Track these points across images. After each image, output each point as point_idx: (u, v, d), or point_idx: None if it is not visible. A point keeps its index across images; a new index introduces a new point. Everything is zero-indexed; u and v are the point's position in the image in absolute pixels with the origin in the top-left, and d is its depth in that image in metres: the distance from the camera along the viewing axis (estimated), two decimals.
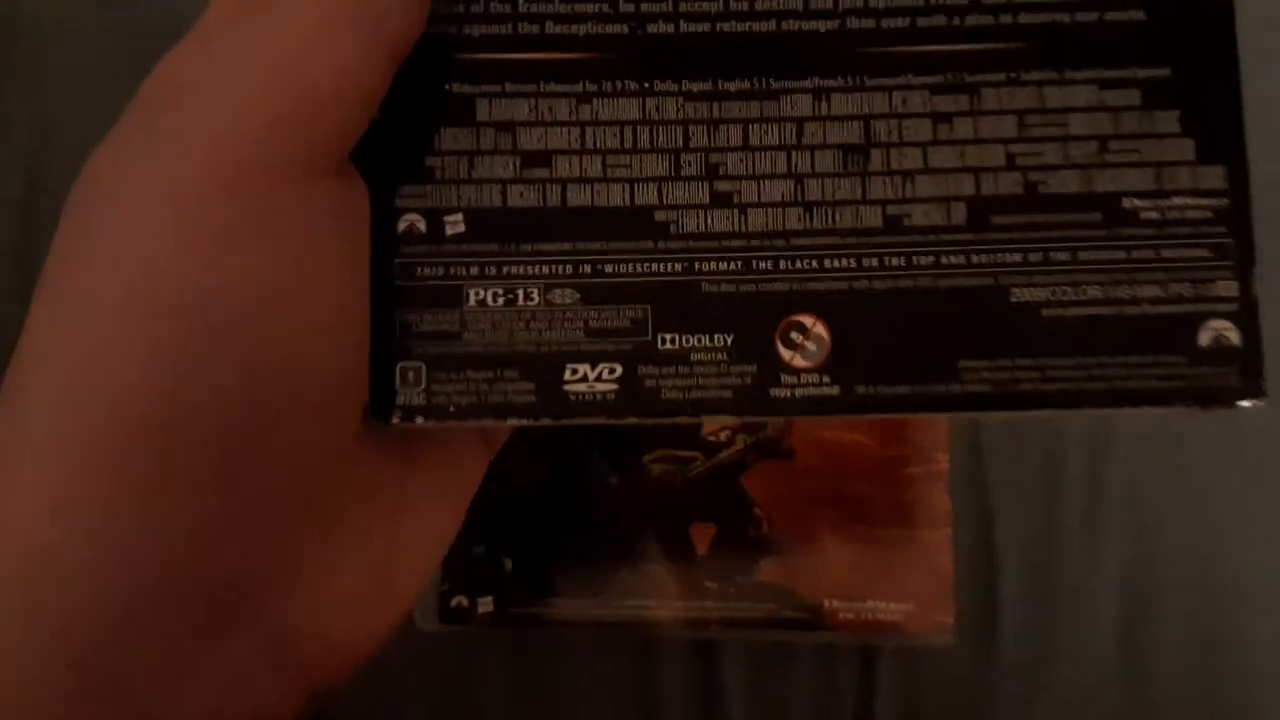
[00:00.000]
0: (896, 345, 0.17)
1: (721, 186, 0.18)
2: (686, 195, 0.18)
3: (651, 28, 0.18)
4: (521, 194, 0.18)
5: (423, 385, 0.17)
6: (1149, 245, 0.18)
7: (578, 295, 0.18)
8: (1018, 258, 0.18)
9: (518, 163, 0.18)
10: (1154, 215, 0.18)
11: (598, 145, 0.18)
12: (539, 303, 0.18)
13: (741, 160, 0.18)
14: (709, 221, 0.18)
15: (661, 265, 0.18)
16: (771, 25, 0.18)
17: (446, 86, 0.18)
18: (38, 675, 0.14)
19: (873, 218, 0.18)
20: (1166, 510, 0.29)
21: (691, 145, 0.18)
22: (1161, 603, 0.28)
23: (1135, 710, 0.28)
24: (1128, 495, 0.29)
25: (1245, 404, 0.17)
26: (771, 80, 0.18)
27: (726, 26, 0.18)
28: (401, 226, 0.18)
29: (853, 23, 0.18)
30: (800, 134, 0.18)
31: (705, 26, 0.18)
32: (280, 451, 0.15)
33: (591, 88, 0.18)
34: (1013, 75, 0.18)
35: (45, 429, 0.14)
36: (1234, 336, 0.17)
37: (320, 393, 0.15)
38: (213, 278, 0.14)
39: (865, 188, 0.18)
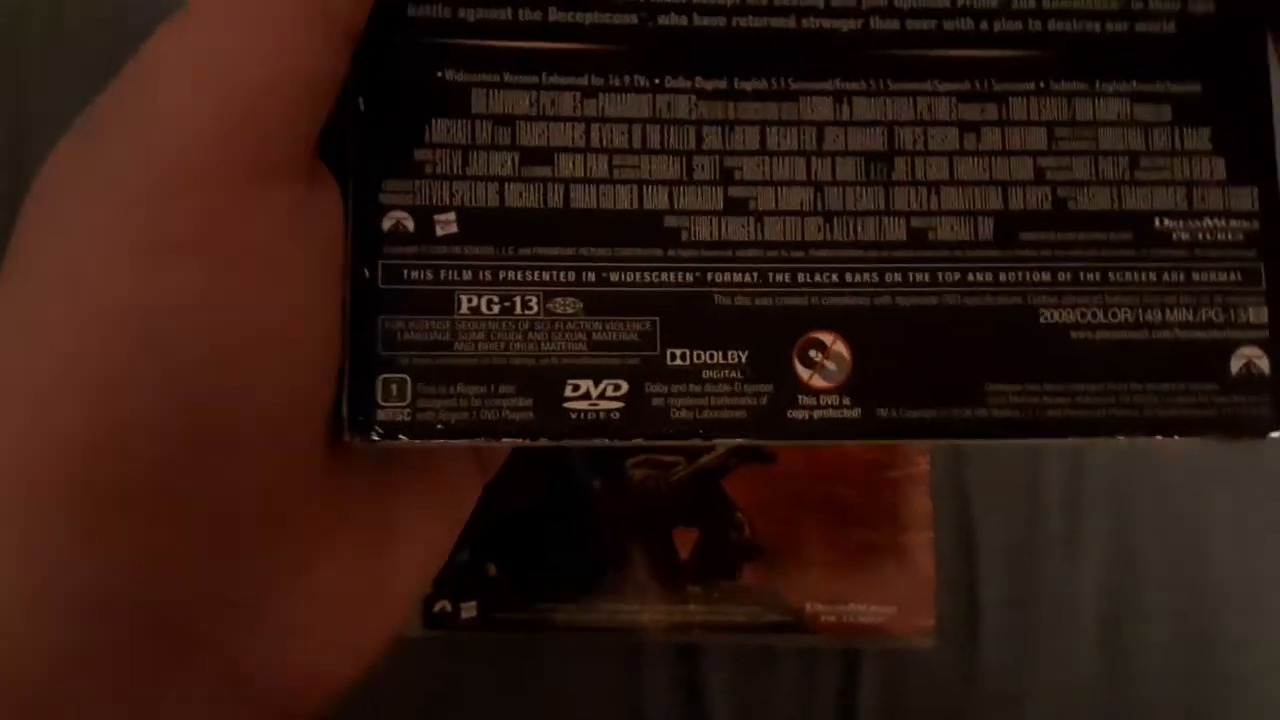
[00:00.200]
0: (921, 366, 0.16)
1: (737, 192, 0.17)
2: (699, 200, 0.16)
3: (663, 19, 0.17)
4: (520, 193, 0.16)
5: (408, 399, 0.16)
6: (1180, 267, 0.17)
7: (580, 305, 0.16)
8: (1047, 277, 0.17)
9: (516, 159, 0.16)
10: (1185, 236, 0.17)
11: (604, 144, 0.16)
12: (538, 312, 0.16)
13: (758, 165, 0.17)
14: (723, 229, 0.17)
15: (671, 275, 0.16)
16: (791, 22, 0.17)
17: (439, 74, 0.16)
18: None
19: (896, 230, 0.17)
20: (1146, 512, 0.29)
21: (705, 147, 0.17)
22: (1141, 604, 0.28)
23: (1117, 711, 0.28)
24: (1108, 497, 0.29)
25: (1276, 435, 0.17)
26: (791, 81, 0.17)
27: (743, 21, 0.17)
28: (387, 225, 0.16)
29: (876, 23, 0.17)
30: (820, 139, 0.17)
31: (721, 21, 0.17)
32: (235, 477, 0.14)
33: (598, 82, 0.16)
34: (1042, 85, 0.17)
35: None
36: (1264, 365, 0.17)
37: (279, 412, 0.14)
38: (153, 295, 0.13)
39: (889, 198, 0.17)
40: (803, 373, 0.16)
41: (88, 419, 0.13)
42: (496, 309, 0.16)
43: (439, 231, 0.16)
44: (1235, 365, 0.17)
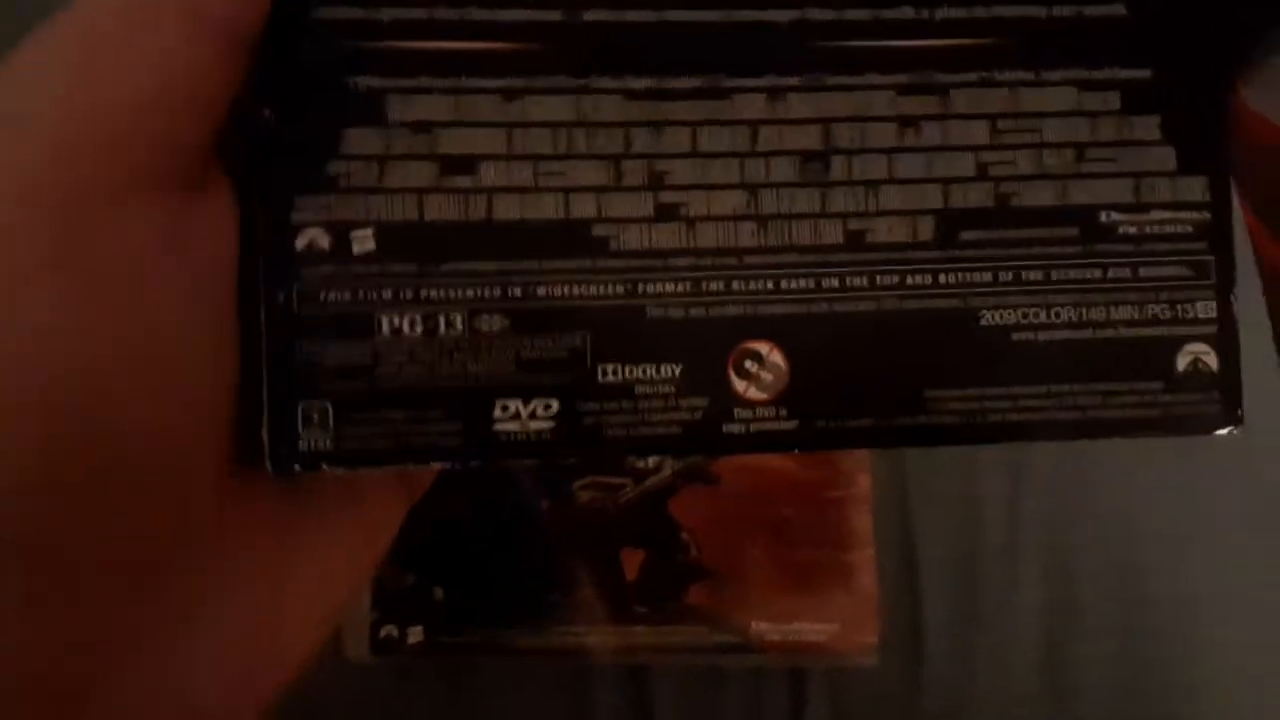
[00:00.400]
0: (859, 374, 0.16)
1: (667, 198, 0.16)
2: (628, 207, 0.16)
3: (588, 15, 0.16)
4: (441, 206, 0.16)
5: (330, 427, 0.15)
6: (1126, 263, 0.16)
7: (507, 322, 0.16)
8: (988, 277, 0.16)
9: (436, 169, 0.16)
10: (1132, 230, 0.16)
11: (527, 150, 0.16)
12: (463, 331, 0.16)
13: (690, 168, 0.16)
14: (653, 237, 0.16)
15: (601, 287, 0.16)
16: (722, 15, 0.16)
17: (351, 81, 0.15)
18: None
19: (833, 233, 0.16)
20: (1084, 529, 0.29)
21: (633, 150, 0.16)
22: (1081, 620, 0.29)
23: None
24: (1046, 514, 0.29)
25: (1222, 432, 0.16)
26: (723, 77, 0.16)
27: (673, 15, 0.16)
28: (300, 244, 0.15)
29: (813, 13, 0.16)
30: (754, 139, 0.16)
31: (649, 15, 0.16)
32: (105, 517, 0.13)
33: (520, 83, 0.16)
34: (985, 75, 0.16)
35: None
36: (1212, 361, 0.16)
37: (154, 443, 0.14)
38: (13, 317, 0.12)
39: (825, 200, 0.16)
40: (738, 385, 0.16)
41: None
42: (420, 329, 0.15)
43: (356, 249, 0.15)
44: (1181, 362, 0.16)
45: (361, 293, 0.15)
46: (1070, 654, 0.29)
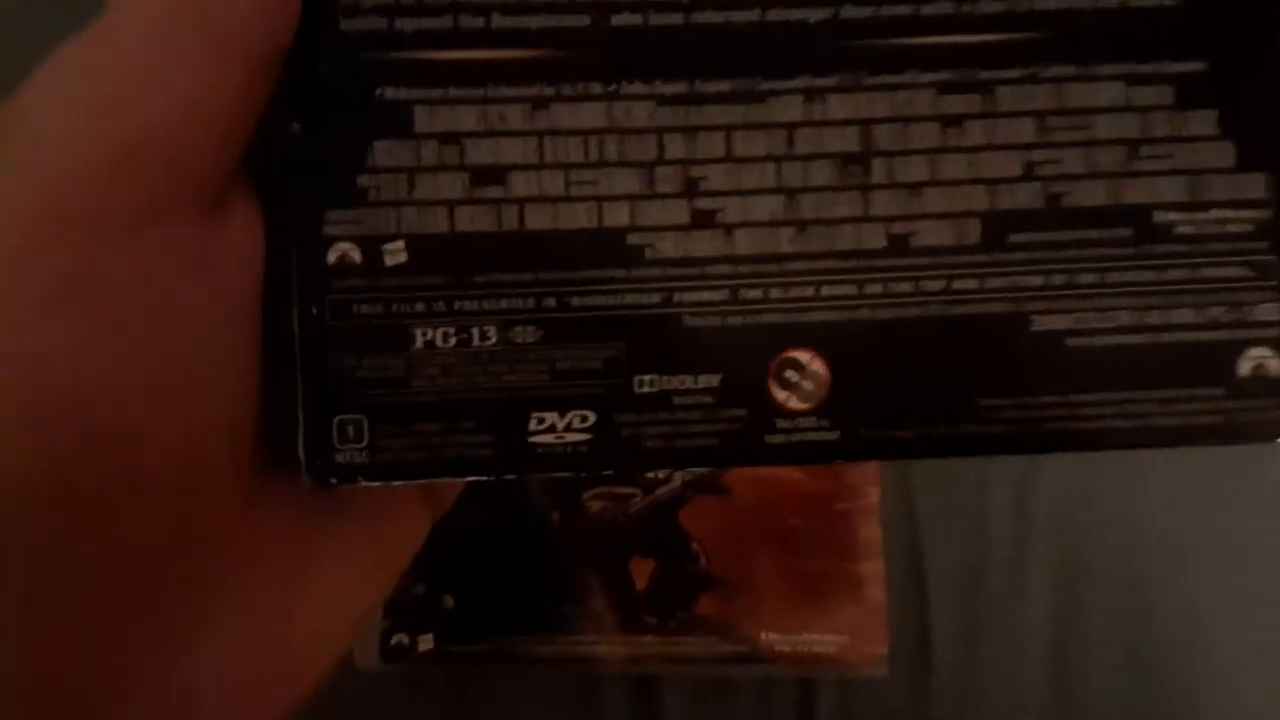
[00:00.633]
0: (905, 382, 0.15)
1: (703, 204, 0.16)
2: (663, 215, 0.15)
3: (617, 19, 0.15)
4: (472, 217, 0.15)
5: (365, 441, 0.15)
6: (1183, 264, 0.16)
7: (541, 333, 0.15)
8: (1038, 281, 0.16)
9: (466, 180, 0.15)
10: (1189, 230, 0.16)
11: (558, 159, 0.15)
12: (496, 343, 0.15)
13: (725, 174, 0.16)
14: (689, 245, 0.16)
15: (636, 296, 0.15)
16: (755, 15, 0.16)
17: (377, 92, 0.15)
18: None
19: (875, 238, 0.16)
20: (1092, 540, 0.29)
21: (667, 157, 0.15)
22: (1089, 631, 0.29)
23: None
24: (1053, 525, 0.29)
25: None
26: (757, 80, 0.16)
27: (702, 17, 0.16)
28: (332, 258, 0.15)
29: (848, 11, 0.16)
30: (791, 142, 0.16)
31: (678, 18, 0.16)
32: (117, 530, 0.13)
33: (549, 91, 0.15)
34: (1030, 71, 0.16)
35: None
36: (1275, 366, 0.16)
37: (169, 460, 0.13)
38: (25, 343, 0.12)
39: (866, 203, 0.16)
40: (779, 394, 0.15)
41: None
42: (453, 341, 0.15)
43: (388, 262, 0.15)
44: (1243, 367, 0.16)
45: (394, 305, 0.15)
46: (1078, 665, 0.29)
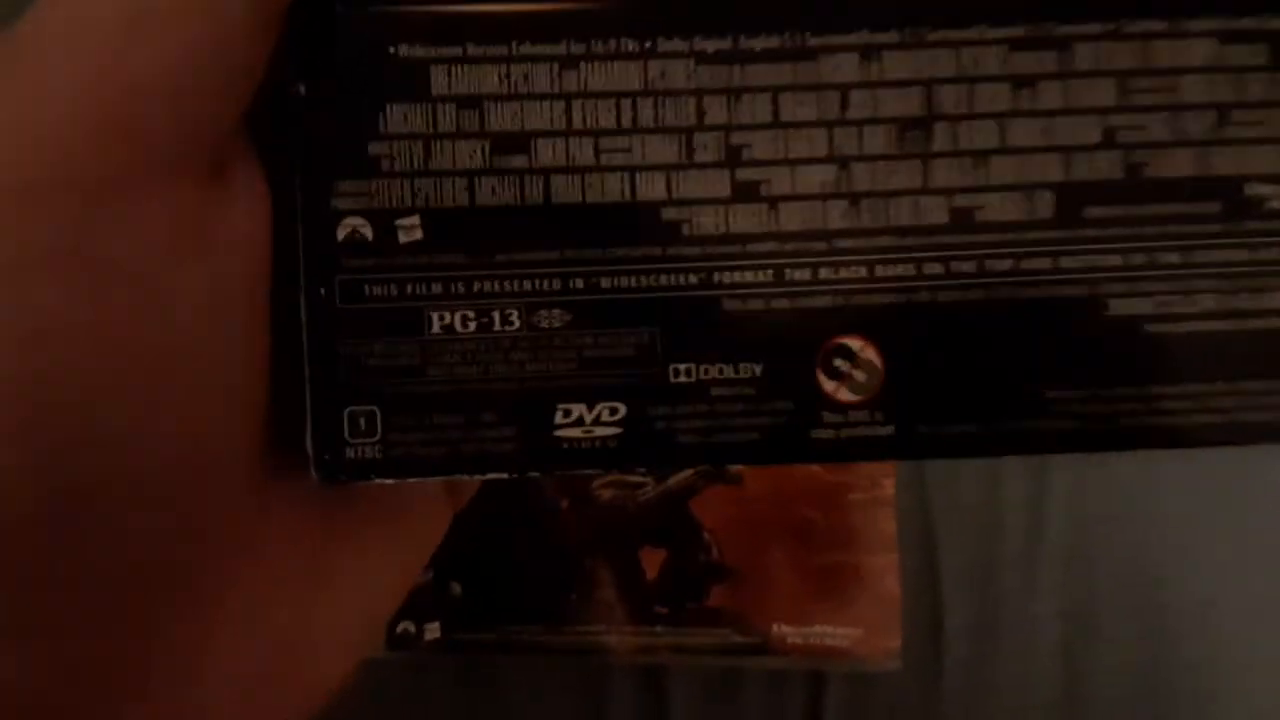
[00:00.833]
0: (966, 372, 0.14)
1: (746, 175, 0.14)
2: (702, 187, 0.14)
3: None
4: (493, 189, 0.14)
5: (377, 434, 0.14)
6: (1277, 243, 0.14)
7: (568, 317, 0.14)
8: (1117, 260, 0.14)
9: (487, 148, 0.14)
10: None
11: (588, 124, 0.14)
12: (520, 327, 0.14)
13: (771, 141, 0.14)
14: (731, 220, 0.14)
15: (672, 277, 0.14)
16: None
17: (390, 49, 0.14)
18: None
19: (937, 212, 0.14)
20: (1105, 536, 0.29)
21: (707, 123, 0.14)
22: (1101, 627, 0.29)
23: None
24: (1067, 521, 0.29)
25: None
26: (808, 35, 0.14)
27: None
28: (342, 234, 0.14)
29: None
30: (845, 105, 0.14)
31: None
32: (119, 535, 0.12)
33: (578, 49, 0.14)
34: (1112, 26, 0.14)
35: None
36: None
37: (176, 454, 0.12)
38: (7, 322, 0.11)
39: (927, 174, 0.14)
40: (827, 385, 0.14)
41: None
42: (472, 326, 0.14)
43: (402, 239, 0.14)
44: None
45: (409, 287, 0.14)
46: (1090, 661, 0.29)
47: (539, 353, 0.14)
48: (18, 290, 0.11)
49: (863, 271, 0.14)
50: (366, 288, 0.14)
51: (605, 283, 0.14)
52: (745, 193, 0.14)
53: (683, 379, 0.14)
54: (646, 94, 0.14)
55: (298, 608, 0.14)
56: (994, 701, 0.29)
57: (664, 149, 0.14)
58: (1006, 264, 0.14)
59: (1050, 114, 0.14)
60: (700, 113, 0.14)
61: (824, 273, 0.14)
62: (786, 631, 0.28)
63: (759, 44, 0.14)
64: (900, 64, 0.14)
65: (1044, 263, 0.14)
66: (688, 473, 0.28)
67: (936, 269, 0.14)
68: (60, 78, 0.12)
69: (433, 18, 0.14)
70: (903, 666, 0.28)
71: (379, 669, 0.28)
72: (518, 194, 0.14)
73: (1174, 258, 0.14)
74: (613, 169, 0.14)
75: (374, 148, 0.14)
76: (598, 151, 0.14)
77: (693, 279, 0.14)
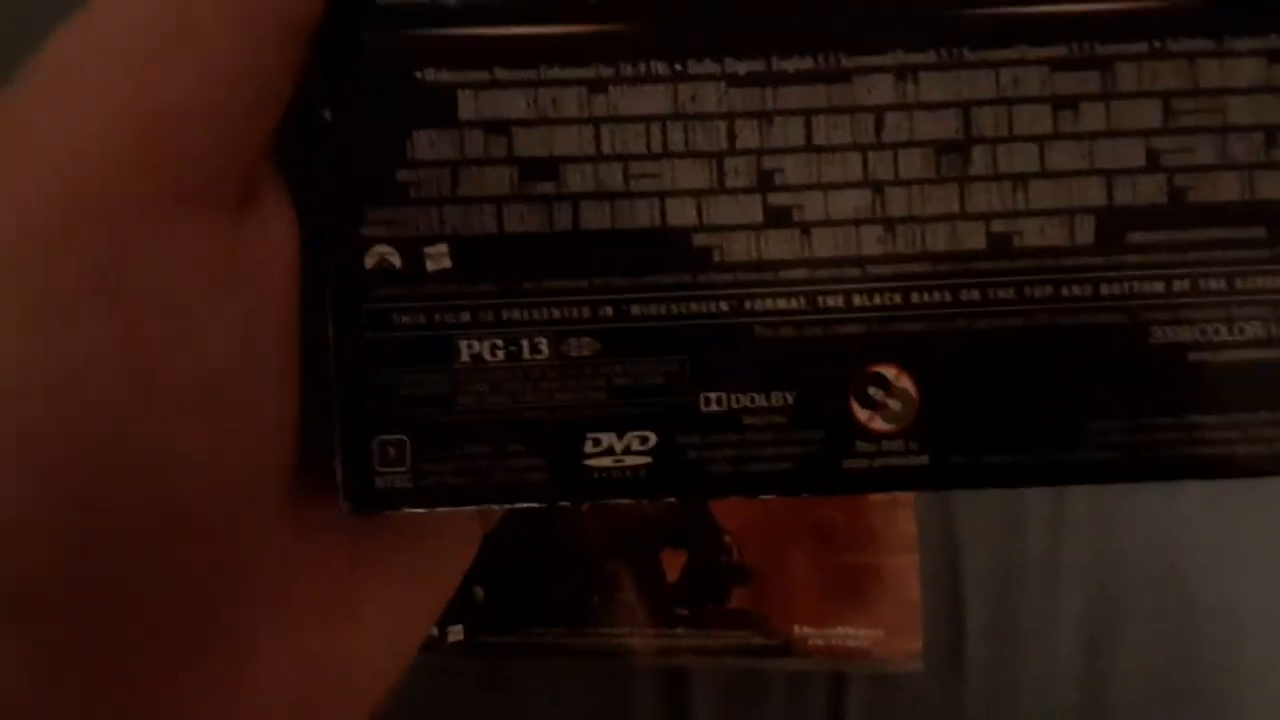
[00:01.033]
0: (1004, 402, 0.14)
1: (778, 200, 0.14)
2: (733, 212, 0.14)
3: None
4: (521, 216, 0.14)
5: (407, 464, 0.14)
6: None
7: (597, 345, 0.14)
8: (1160, 287, 0.14)
9: (515, 175, 0.14)
10: None
11: (617, 149, 0.14)
12: (549, 356, 0.14)
13: (803, 165, 0.14)
14: (762, 246, 0.14)
15: (703, 304, 0.14)
16: None
17: (417, 74, 0.14)
18: None
19: (974, 237, 0.14)
20: (1126, 538, 0.29)
21: (739, 147, 0.14)
22: (1123, 629, 0.29)
23: None
24: (1090, 522, 0.29)
25: None
26: (842, 56, 0.14)
27: None
28: (370, 262, 0.14)
29: None
30: (880, 128, 0.14)
31: None
32: (152, 572, 0.12)
33: (607, 72, 0.14)
34: (1157, 45, 0.14)
35: None
36: None
37: (209, 487, 0.12)
38: (35, 358, 0.11)
39: (964, 198, 0.14)
40: (861, 414, 0.14)
41: None
42: (501, 355, 0.14)
43: (430, 267, 0.14)
44: None
45: (437, 315, 0.14)
46: (1111, 663, 0.29)
47: (568, 382, 0.14)
48: (51, 325, 0.11)
49: (898, 298, 0.14)
50: (395, 316, 0.14)
51: (635, 310, 0.14)
52: (778, 218, 0.14)
53: (714, 408, 0.14)
54: (677, 117, 0.14)
55: (328, 635, 0.14)
56: (1015, 703, 0.29)
57: (695, 174, 0.14)
58: (1046, 290, 0.14)
59: (1092, 136, 0.14)
60: (732, 136, 0.14)
61: (858, 300, 0.14)
62: (808, 633, 0.28)
63: (792, 65, 0.14)
64: (937, 85, 0.14)
65: (1084, 289, 0.14)
66: None
67: (974, 296, 0.14)
68: (87, 108, 0.11)
69: (459, 42, 0.14)
70: (924, 668, 0.28)
71: None
72: (546, 221, 0.14)
73: (1219, 284, 0.14)
74: (642, 194, 0.14)
75: (402, 174, 0.14)
76: (627, 176, 0.14)
77: (724, 306, 0.14)
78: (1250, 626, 0.29)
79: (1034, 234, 0.14)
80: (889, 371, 0.14)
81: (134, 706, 0.12)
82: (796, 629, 0.28)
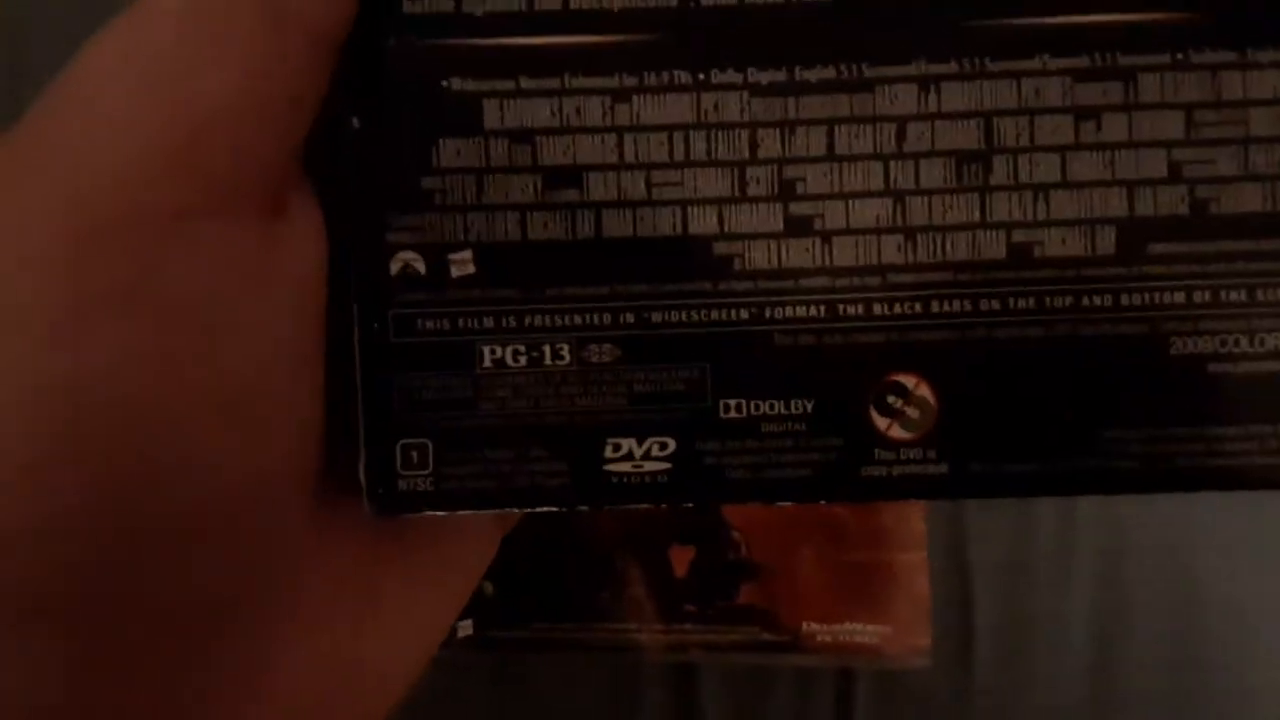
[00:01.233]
0: (1022, 411, 0.14)
1: (799, 209, 0.14)
2: (755, 221, 0.14)
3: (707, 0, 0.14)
4: (545, 224, 0.14)
5: (429, 468, 0.14)
6: None
7: (618, 352, 0.14)
8: (1181, 298, 0.14)
9: (539, 183, 0.14)
10: None
11: (640, 158, 0.14)
12: (570, 362, 0.14)
13: (825, 174, 0.14)
14: (783, 255, 0.14)
15: (723, 312, 0.14)
16: None
17: (443, 83, 0.14)
18: None
19: (994, 247, 0.14)
20: (1136, 534, 0.29)
21: (761, 155, 0.14)
22: (1132, 626, 0.29)
23: None
24: (1099, 518, 0.29)
25: None
26: (864, 66, 0.14)
27: None
28: (395, 268, 0.14)
29: None
30: (901, 138, 0.14)
31: None
32: (182, 571, 0.12)
33: (631, 81, 0.14)
34: (1180, 57, 0.14)
35: None
36: None
37: (238, 490, 0.13)
38: (75, 361, 0.11)
39: (985, 208, 0.14)
40: (880, 422, 0.14)
41: None
42: (523, 360, 0.14)
43: (454, 273, 0.14)
44: None
45: (460, 321, 0.14)
46: (1121, 660, 0.29)
47: (589, 387, 0.14)
48: (84, 331, 0.11)
49: (918, 307, 0.14)
50: (419, 322, 0.14)
51: (656, 317, 0.14)
52: (798, 227, 0.14)
53: (733, 415, 0.14)
54: (699, 127, 0.14)
55: (350, 634, 0.14)
56: (1024, 700, 0.29)
57: (716, 182, 0.14)
58: (1066, 301, 0.14)
59: (1114, 147, 0.14)
60: (754, 145, 0.14)
61: (878, 308, 0.14)
62: (816, 629, 0.28)
63: (814, 75, 0.14)
64: (959, 95, 0.14)
65: (1105, 300, 0.14)
66: None
67: (994, 305, 0.14)
68: (123, 119, 0.12)
69: (485, 51, 0.14)
70: (932, 664, 0.28)
71: None
72: (569, 228, 0.14)
73: (1240, 296, 0.14)
74: (664, 203, 0.14)
75: (427, 182, 0.14)
76: (649, 185, 0.14)
77: (744, 314, 0.14)
78: (1260, 625, 0.29)
79: (1055, 244, 0.14)
80: (908, 380, 0.14)
81: (159, 706, 0.13)
82: (805, 625, 0.28)
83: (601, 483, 0.14)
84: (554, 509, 0.14)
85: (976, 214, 0.14)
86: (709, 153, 0.14)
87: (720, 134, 0.14)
